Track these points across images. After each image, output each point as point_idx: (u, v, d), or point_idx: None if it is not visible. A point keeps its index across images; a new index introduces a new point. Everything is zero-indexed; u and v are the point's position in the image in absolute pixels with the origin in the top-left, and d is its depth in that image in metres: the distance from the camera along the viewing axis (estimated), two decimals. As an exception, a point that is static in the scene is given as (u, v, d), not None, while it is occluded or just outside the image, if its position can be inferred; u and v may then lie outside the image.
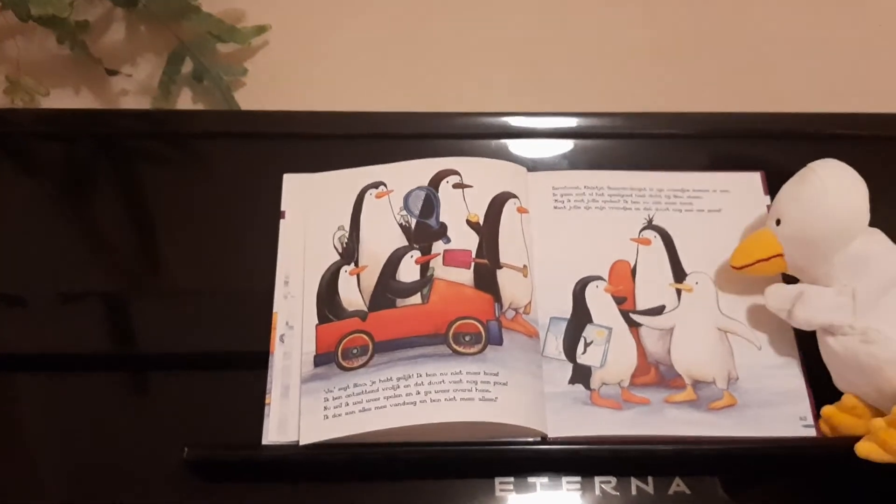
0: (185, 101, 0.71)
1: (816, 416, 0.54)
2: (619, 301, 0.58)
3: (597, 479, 0.53)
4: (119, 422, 0.55)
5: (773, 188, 0.60)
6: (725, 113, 0.66)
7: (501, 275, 0.57)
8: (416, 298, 0.56)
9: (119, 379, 0.57)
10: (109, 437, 0.54)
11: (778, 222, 0.56)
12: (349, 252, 0.58)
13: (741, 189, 0.62)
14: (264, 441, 0.53)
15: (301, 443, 0.52)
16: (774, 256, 0.55)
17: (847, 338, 0.52)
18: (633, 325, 0.57)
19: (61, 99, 0.70)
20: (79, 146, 0.65)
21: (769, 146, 0.64)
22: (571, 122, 0.65)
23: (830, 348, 0.53)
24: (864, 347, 0.51)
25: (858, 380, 0.52)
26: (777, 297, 0.55)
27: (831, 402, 0.53)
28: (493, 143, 0.65)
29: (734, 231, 0.60)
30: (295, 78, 0.71)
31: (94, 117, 0.68)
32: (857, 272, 0.53)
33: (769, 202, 0.61)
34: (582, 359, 0.56)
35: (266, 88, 0.71)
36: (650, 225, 0.61)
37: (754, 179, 0.62)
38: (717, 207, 0.61)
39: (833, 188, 0.54)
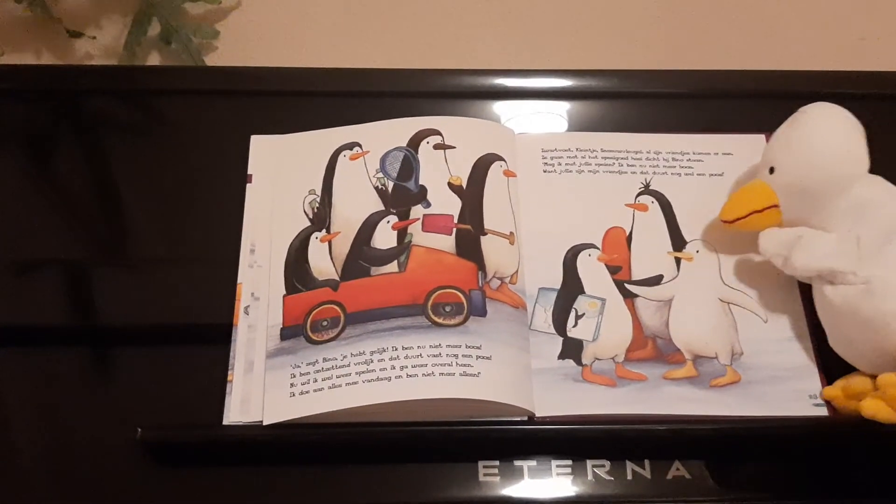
0: (153, 65, 0.68)
1: (827, 393, 0.52)
2: (614, 270, 0.56)
3: (589, 463, 0.50)
4: (68, 400, 0.52)
5: None
6: (728, 71, 0.64)
7: (486, 242, 0.55)
8: (392, 266, 0.54)
9: (68, 353, 0.54)
10: (57, 416, 0.51)
11: (771, 171, 0.53)
12: (320, 217, 0.56)
13: (744, 152, 0.60)
14: (225, 421, 0.51)
15: (265, 422, 0.50)
16: (769, 207, 0.53)
17: (848, 288, 0.49)
18: (629, 297, 0.55)
19: (20, 62, 0.67)
20: (33, 104, 0.63)
21: (775, 106, 0.60)
22: (562, 81, 0.64)
23: (828, 300, 0.50)
24: (867, 300, 0.48)
25: (858, 336, 0.49)
26: (773, 240, 0.52)
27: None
28: (478, 102, 0.63)
29: None
30: (270, 40, 0.69)
31: (48, 73, 0.65)
32: (858, 219, 0.50)
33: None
34: (573, 332, 0.54)
35: (239, 52, 0.69)
36: (647, 190, 0.58)
37: (758, 142, 0.60)
38: (719, 171, 0.60)
39: (827, 130, 0.52)
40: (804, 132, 0.52)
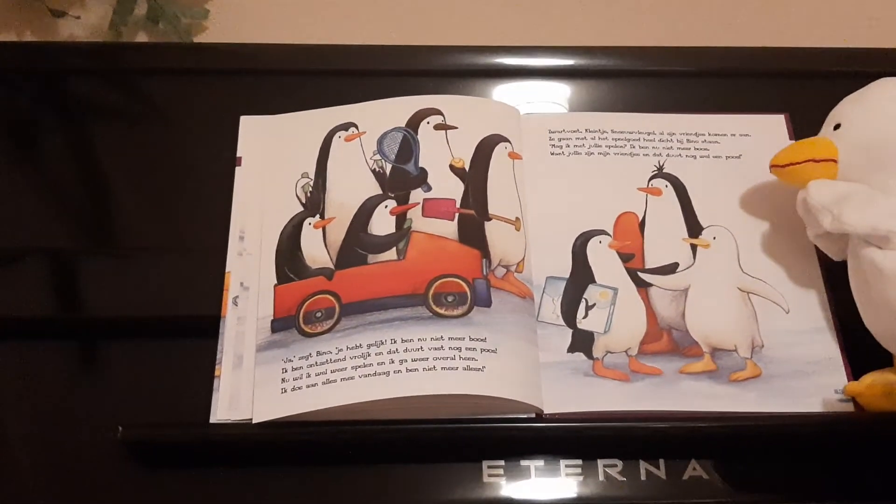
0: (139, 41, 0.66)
1: (854, 388, 0.50)
2: (626, 258, 0.53)
3: (600, 463, 0.48)
4: (47, 396, 0.50)
5: (799, 132, 0.57)
6: (745, 47, 0.63)
7: (490, 228, 0.53)
8: (390, 254, 0.52)
9: (44, 347, 0.51)
10: (34, 413, 0.49)
11: (836, 127, 0.52)
12: (314, 202, 0.54)
13: (764, 133, 0.58)
14: (212, 419, 0.49)
15: (255, 421, 0.48)
16: (828, 160, 0.51)
17: None
18: (642, 286, 0.53)
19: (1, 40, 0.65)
20: (13, 84, 0.60)
21: (794, 85, 0.61)
22: (570, 58, 0.62)
23: (876, 267, 0.47)
24: None
25: None
26: (825, 191, 0.50)
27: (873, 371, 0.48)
28: (481, 81, 0.61)
29: (756, 179, 0.57)
30: (262, 18, 0.67)
31: (28, 51, 0.63)
32: None
33: (794, 148, 0.58)
34: (583, 324, 0.51)
35: (230, 32, 0.66)
36: (660, 173, 0.56)
37: (778, 122, 0.59)
38: (737, 153, 0.58)
39: None
40: (878, 90, 0.52)
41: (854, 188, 0.50)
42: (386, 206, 0.53)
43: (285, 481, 0.48)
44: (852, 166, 0.51)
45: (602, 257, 0.54)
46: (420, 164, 0.55)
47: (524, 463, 0.49)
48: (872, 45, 0.63)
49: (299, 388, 0.48)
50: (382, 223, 0.53)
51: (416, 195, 0.54)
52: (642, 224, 0.55)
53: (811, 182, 0.50)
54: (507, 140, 0.56)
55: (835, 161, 0.51)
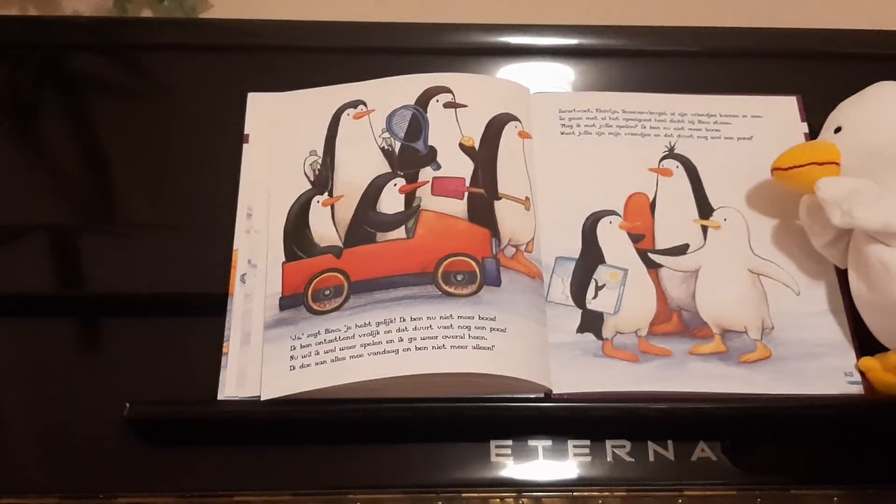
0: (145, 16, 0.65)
1: (864, 370, 0.49)
2: (636, 239, 0.53)
3: (608, 443, 0.48)
4: (52, 374, 0.49)
5: (811, 114, 0.56)
6: (758, 28, 0.62)
7: (500, 207, 0.52)
8: (399, 232, 0.51)
9: (51, 324, 0.51)
10: (40, 391, 0.49)
11: (837, 130, 0.51)
12: (322, 180, 0.53)
13: (775, 114, 0.58)
14: (220, 396, 0.48)
15: (263, 398, 0.48)
16: (830, 163, 0.50)
17: None
18: (652, 267, 0.52)
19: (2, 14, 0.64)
20: (15, 58, 0.59)
21: (807, 66, 0.60)
22: (581, 37, 0.61)
23: (883, 263, 0.47)
24: None
25: None
26: (834, 188, 0.49)
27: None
28: (491, 59, 0.60)
29: (767, 161, 0.55)
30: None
31: (31, 25, 0.62)
32: None
33: (806, 129, 0.57)
34: (592, 304, 0.51)
35: (235, 10, 0.65)
36: (671, 153, 0.56)
37: (790, 104, 0.58)
38: (748, 135, 0.57)
39: None
40: (878, 93, 0.51)
41: (864, 184, 0.49)
42: (395, 185, 0.53)
43: (293, 459, 0.47)
44: (855, 169, 0.51)
45: (612, 238, 0.53)
46: (429, 143, 0.54)
47: (532, 443, 0.48)
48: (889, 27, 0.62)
49: (307, 366, 0.47)
50: (391, 201, 0.52)
51: (426, 174, 0.53)
52: (653, 205, 0.54)
53: (819, 181, 0.50)
54: (517, 119, 0.55)
55: (837, 164, 0.51)
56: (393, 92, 0.56)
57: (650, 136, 0.56)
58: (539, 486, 0.47)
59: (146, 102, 0.58)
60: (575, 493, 0.47)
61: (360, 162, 0.54)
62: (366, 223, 0.52)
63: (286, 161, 0.54)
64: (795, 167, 0.51)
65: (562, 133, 0.56)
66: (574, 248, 0.53)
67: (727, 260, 0.53)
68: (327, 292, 0.50)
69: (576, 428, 0.48)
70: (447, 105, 0.55)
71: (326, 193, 0.53)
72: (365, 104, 0.56)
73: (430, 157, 0.54)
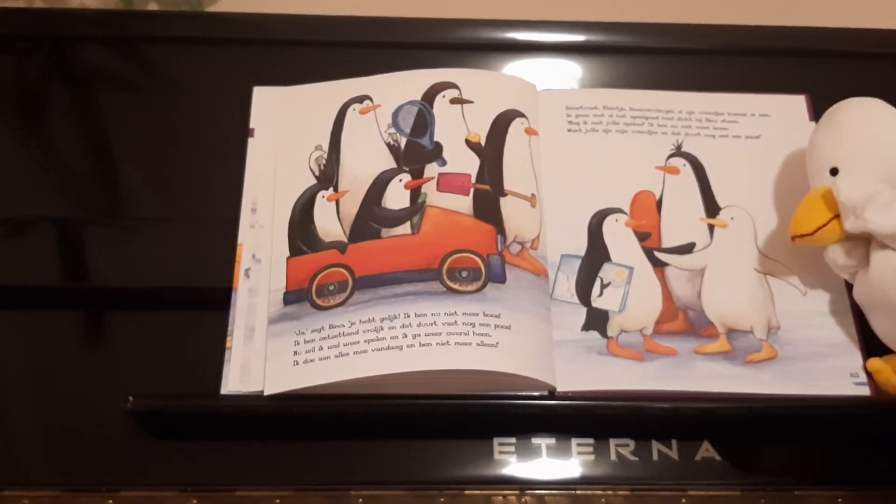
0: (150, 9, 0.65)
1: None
2: (643, 237, 0.53)
3: (612, 442, 0.48)
4: (55, 367, 0.49)
5: (819, 113, 0.55)
6: (766, 26, 0.61)
7: (505, 203, 0.52)
8: (404, 228, 0.51)
9: (55, 318, 0.51)
10: (44, 384, 0.49)
11: (834, 172, 0.49)
12: (327, 175, 0.53)
13: (783, 113, 0.58)
14: (223, 391, 0.48)
15: (266, 393, 0.48)
16: (833, 218, 0.49)
17: None
18: (659, 265, 0.52)
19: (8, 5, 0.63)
20: (21, 50, 0.59)
21: (815, 65, 0.60)
22: (588, 34, 0.61)
23: (892, 269, 0.46)
24: None
25: None
26: (854, 191, 0.48)
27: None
28: (498, 56, 0.59)
29: (775, 160, 0.56)
30: None
31: (37, 17, 0.61)
32: None
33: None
34: (598, 302, 0.51)
35: (242, 4, 0.64)
36: (679, 152, 0.56)
37: (798, 103, 0.58)
38: (756, 133, 0.57)
39: (886, 121, 0.49)
40: (850, 120, 0.50)
41: (881, 188, 0.48)
42: (400, 180, 0.53)
43: (295, 454, 0.47)
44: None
45: (618, 236, 0.53)
46: (435, 139, 0.54)
47: (536, 441, 0.48)
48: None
49: (311, 361, 0.47)
50: (397, 197, 0.52)
51: (431, 169, 0.53)
52: (659, 203, 0.54)
53: (843, 181, 0.49)
54: (523, 115, 0.55)
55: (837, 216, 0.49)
56: (399, 87, 0.56)
57: (657, 133, 0.56)
58: (542, 484, 0.47)
59: (151, 95, 0.58)
60: (578, 492, 0.47)
61: (366, 157, 0.54)
62: (371, 219, 0.52)
63: (291, 155, 0.54)
64: (820, 228, 0.49)
65: (568, 130, 0.56)
66: (580, 245, 0.53)
67: (734, 259, 0.53)
68: (331, 288, 0.49)
69: (579, 426, 0.48)
70: (453, 101, 0.55)
71: (331, 188, 0.53)
72: (371, 99, 0.55)
73: (436, 152, 0.53)
